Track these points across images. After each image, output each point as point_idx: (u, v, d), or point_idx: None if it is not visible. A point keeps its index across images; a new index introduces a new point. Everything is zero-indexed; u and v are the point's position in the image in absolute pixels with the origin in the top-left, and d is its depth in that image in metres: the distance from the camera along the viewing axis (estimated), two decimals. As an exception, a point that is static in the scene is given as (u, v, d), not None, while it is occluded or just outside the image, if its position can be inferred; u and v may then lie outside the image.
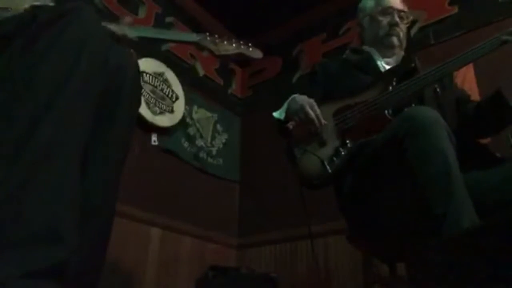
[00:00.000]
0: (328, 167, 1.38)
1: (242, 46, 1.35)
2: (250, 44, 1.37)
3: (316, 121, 1.43)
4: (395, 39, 1.62)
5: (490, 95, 1.42)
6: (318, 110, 1.44)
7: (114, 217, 1.03)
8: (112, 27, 1.18)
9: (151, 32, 1.40)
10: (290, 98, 1.53)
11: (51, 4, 1.17)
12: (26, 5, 1.04)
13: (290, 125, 1.48)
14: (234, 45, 1.34)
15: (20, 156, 0.77)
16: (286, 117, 1.51)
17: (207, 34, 1.33)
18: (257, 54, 1.38)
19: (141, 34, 1.25)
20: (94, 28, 0.92)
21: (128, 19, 1.23)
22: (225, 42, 1.33)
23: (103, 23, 1.18)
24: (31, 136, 0.78)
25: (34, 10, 0.93)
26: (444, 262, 0.82)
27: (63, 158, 0.82)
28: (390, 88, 1.42)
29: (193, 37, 1.33)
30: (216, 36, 1.33)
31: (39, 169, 0.77)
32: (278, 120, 1.54)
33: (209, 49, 1.31)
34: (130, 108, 1.06)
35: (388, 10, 1.64)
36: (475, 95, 2.08)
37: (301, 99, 1.48)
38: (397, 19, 1.63)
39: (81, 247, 0.83)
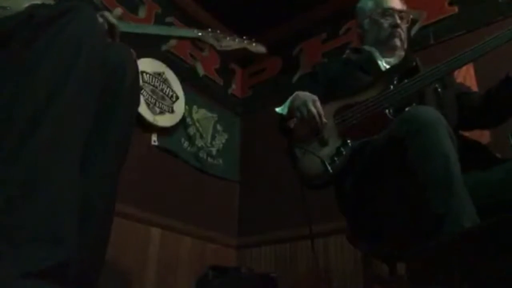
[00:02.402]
0: (329, 167, 1.38)
1: (245, 41, 1.34)
2: (253, 39, 1.36)
3: (317, 118, 1.43)
4: (397, 41, 1.61)
5: (501, 81, 1.42)
6: (320, 107, 1.44)
7: (113, 217, 1.03)
8: (109, 15, 1.18)
9: (152, 29, 1.40)
10: (293, 94, 1.53)
11: (51, 2, 1.17)
12: (26, 4, 1.04)
13: (292, 123, 1.48)
14: (236, 40, 1.34)
15: (20, 157, 0.76)
16: (288, 112, 1.51)
17: (209, 30, 1.32)
18: (260, 49, 1.37)
19: (143, 31, 1.25)
20: (92, 27, 0.92)
21: (118, 10, 1.23)
22: (228, 38, 1.32)
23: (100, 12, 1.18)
24: (31, 137, 0.78)
25: (32, 9, 0.93)
26: (444, 262, 0.82)
27: (63, 158, 0.82)
28: (391, 87, 1.42)
29: (195, 33, 1.32)
30: (218, 31, 1.33)
31: (39, 169, 0.77)
32: (281, 115, 1.53)
33: (211, 44, 1.30)
34: (129, 107, 1.06)
35: (389, 12, 1.63)
36: (475, 95, 2.08)
37: (305, 95, 1.48)
38: (398, 20, 1.62)
39: (80, 247, 0.83)
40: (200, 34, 1.31)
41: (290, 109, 1.50)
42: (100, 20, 1.17)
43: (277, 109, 1.56)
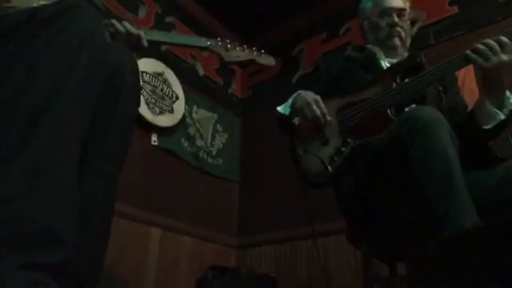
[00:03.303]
0: (329, 166, 1.38)
1: (254, 53, 1.31)
2: (262, 51, 1.32)
3: (321, 119, 1.42)
4: (396, 40, 1.60)
5: (466, 116, 1.41)
6: (324, 107, 1.43)
7: (113, 217, 1.03)
8: (128, 25, 1.17)
9: (161, 36, 1.38)
10: (295, 94, 1.52)
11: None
12: (35, 4, 1.04)
13: (296, 121, 1.47)
14: (246, 51, 1.30)
15: (20, 155, 0.76)
16: (291, 112, 1.50)
17: (218, 39, 1.29)
18: (269, 61, 1.33)
19: (152, 37, 1.23)
20: (93, 26, 0.91)
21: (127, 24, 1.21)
22: (237, 48, 1.29)
23: (123, 21, 1.17)
24: (31, 135, 0.78)
25: (36, 8, 0.93)
26: (444, 262, 0.82)
27: (63, 158, 0.81)
28: (394, 84, 1.41)
29: (203, 42, 1.29)
30: (228, 41, 1.30)
31: (39, 169, 0.77)
32: (283, 115, 1.53)
33: (219, 55, 1.27)
34: (130, 107, 1.06)
35: (387, 11, 1.62)
36: (475, 96, 2.08)
37: (307, 95, 1.46)
38: (396, 19, 1.60)
39: (80, 247, 0.83)
40: (209, 43, 1.28)
41: (293, 109, 1.50)
42: (121, 28, 1.15)
43: (279, 108, 1.55)
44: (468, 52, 1.30)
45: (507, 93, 1.34)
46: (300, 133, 1.48)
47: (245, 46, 1.32)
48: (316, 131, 1.45)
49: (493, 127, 1.33)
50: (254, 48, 1.33)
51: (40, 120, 0.79)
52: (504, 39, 1.27)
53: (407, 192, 1.17)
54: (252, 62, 1.32)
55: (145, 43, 1.18)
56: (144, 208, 2.27)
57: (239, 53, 1.30)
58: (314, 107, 1.42)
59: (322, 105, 1.43)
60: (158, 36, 1.30)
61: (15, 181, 0.75)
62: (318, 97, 1.45)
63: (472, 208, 1.03)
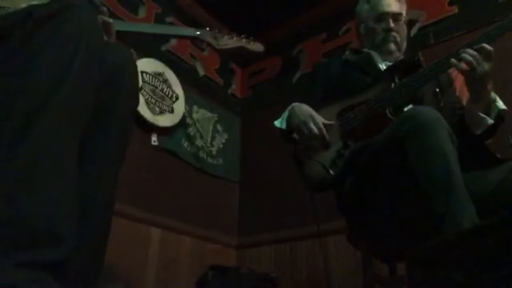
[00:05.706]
0: (330, 170, 1.39)
1: (243, 40, 1.37)
2: (251, 38, 1.37)
3: (319, 137, 1.42)
4: (392, 45, 1.61)
5: (457, 122, 1.41)
6: (320, 124, 1.43)
7: (112, 216, 1.03)
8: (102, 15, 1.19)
9: (149, 28, 1.42)
10: (290, 107, 1.52)
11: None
12: (24, 5, 1.04)
13: (295, 135, 1.48)
14: (234, 39, 1.36)
15: (18, 153, 0.76)
16: (287, 126, 1.51)
17: (207, 28, 1.35)
18: (258, 47, 1.39)
19: (140, 29, 1.26)
20: (90, 24, 0.91)
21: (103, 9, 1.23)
22: (225, 37, 1.35)
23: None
24: (29, 133, 0.77)
25: (31, 7, 0.93)
26: (444, 262, 0.82)
27: (62, 155, 0.81)
28: (393, 85, 1.41)
29: (193, 31, 1.35)
30: (217, 30, 1.35)
31: (37, 167, 0.77)
32: (280, 129, 1.54)
33: (209, 43, 1.33)
34: (128, 107, 1.06)
35: (383, 16, 1.62)
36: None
37: (302, 112, 1.47)
38: (392, 24, 1.60)
39: (80, 246, 0.83)
40: (198, 33, 1.33)
41: (289, 124, 1.50)
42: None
43: (276, 123, 1.56)
44: (453, 60, 1.27)
45: (492, 95, 1.32)
46: (301, 142, 1.48)
47: (233, 34, 1.37)
48: (316, 141, 1.45)
49: (484, 131, 1.32)
50: (242, 36, 1.39)
51: (38, 119, 0.79)
52: (487, 47, 1.25)
53: (406, 191, 1.17)
54: (241, 49, 1.37)
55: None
56: (144, 208, 2.27)
57: (228, 41, 1.36)
58: (311, 125, 1.42)
59: (319, 120, 1.44)
60: (148, 28, 1.34)
61: (14, 180, 0.75)
62: (313, 113, 1.45)
63: (471, 207, 1.03)
